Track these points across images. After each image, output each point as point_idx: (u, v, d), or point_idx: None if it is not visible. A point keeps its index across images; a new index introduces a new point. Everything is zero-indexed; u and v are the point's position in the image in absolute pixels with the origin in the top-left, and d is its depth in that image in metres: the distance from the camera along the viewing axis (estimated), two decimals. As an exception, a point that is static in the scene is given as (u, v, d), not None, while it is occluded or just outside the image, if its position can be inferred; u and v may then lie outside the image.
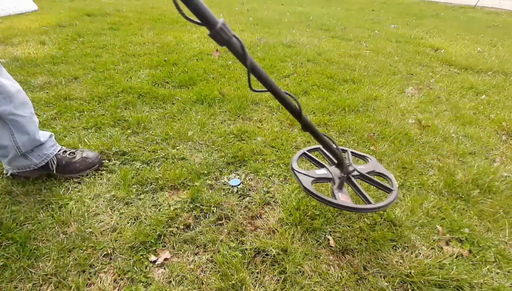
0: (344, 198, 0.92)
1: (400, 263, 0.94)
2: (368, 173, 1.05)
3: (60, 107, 1.68)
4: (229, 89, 2.05)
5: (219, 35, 0.58)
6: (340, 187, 0.96)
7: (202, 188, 1.19)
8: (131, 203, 1.10)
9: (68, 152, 1.22)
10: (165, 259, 0.91)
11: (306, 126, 0.88)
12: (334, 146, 0.92)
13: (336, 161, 1.01)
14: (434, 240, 1.03)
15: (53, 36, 3.01)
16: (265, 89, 0.74)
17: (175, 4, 0.54)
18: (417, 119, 1.83)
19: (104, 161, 1.30)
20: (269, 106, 1.89)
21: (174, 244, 0.96)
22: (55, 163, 1.17)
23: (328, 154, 1.04)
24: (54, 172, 1.17)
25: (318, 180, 1.00)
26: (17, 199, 1.08)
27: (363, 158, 1.17)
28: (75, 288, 0.82)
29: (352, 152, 1.18)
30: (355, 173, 1.01)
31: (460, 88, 2.42)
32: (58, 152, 1.20)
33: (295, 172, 1.01)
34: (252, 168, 1.32)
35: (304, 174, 0.99)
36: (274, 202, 1.16)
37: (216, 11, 5.44)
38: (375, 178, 1.03)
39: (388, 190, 0.98)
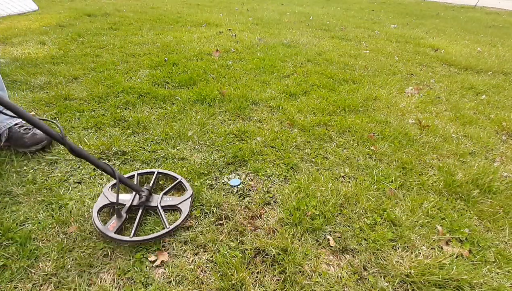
0: (111, 225, 0.95)
1: (400, 263, 0.94)
2: (166, 206, 1.05)
3: (60, 107, 1.68)
4: (229, 89, 2.05)
5: None
6: (118, 214, 0.97)
7: (202, 188, 1.18)
8: (131, 203, 1.10)
9: (24, 128, 1.29)
10: (165, 261, 0.91)
11: (75, 152, 0.83)
12: (118, 174, 0.92)
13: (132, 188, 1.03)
14: (434, 240, 1.03)
15: (53, 36, 3.01)
16: (12, 114, 0.72)
17: None
18: (417, 119, 1.83)
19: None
20: (269, 106, 1.89)
21: (174, 244, 0.96)
22: (5, 136, 1.25)
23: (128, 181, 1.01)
24: (1, 144, 1.25)
25: (112, 204, 1.02)
26: (17, 199, 1.08)
27: (185, 190, 1.13)
28: (75, 288, 0.82)
29: (161, 173, 1.19)
30: (153, 203, 1.04)
31: (460, 88, 2.42)
32: (14, 125, 1.28)
33: (102, 193, 1.06)
34: (252, 168, 1.32)
35: (105, 196, 1.04)
36: (274, 202, 1.16)
37: (216, 11, 5.44)
38: (166, 213, 1.03)
39: (164, 227, 0.97)
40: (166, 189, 1.12)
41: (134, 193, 1.05)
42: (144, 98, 1.88)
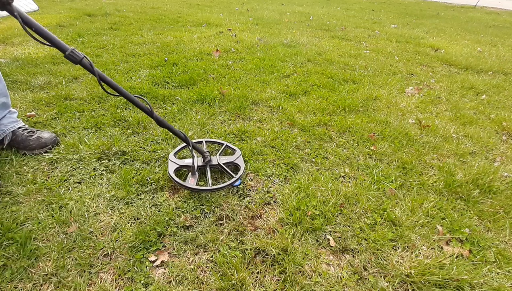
0: (191, 181, 1.15)
1: (400, 263, 0.94)
2: (225, 163, 1.26)
3: (60, 107, 1.68)
4: (229, 89, 2.05)
5: (72, 57, 0.80)
6: (193, 173, 1.18)
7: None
8: (131, 203, 1.10)
9: (28, 131, 1.32)
10: (165, 261, 0.91)
11: (160, 123, 1.06)
12: (190, 141, 1.17)
13: (199, 153, 1.26)
14: (434, 240, 1.03)
15: (53, 36, 3.01)
16: (117, 93, 0.93)
17: (28, 34, 0.75)
18: (417, 119, 1.83)
19: (58, 144, 1.39)
20: (269, 106, 1.89)
21: (174, 244, 0.96)
22: (8, 139, 1.28)
23: (194, 147, 1.21)
24: (4, 147, 1.29)
25: (181, 167, 1.23)
26: (17, 199, 1.08)
27: (233, 150, 1.37)
28: (75, 288, 0.82)
29: (208, 141, 1.43)
30: (214, 162, 1.25)
31: (460, 88, 2.42)
32: (18, 129, 1.31)
33: (169, 160, 1.25)
34: (252, 168, 1.32)
35: (174, 162, 1.23)
36: (274, 202, 1.16)
37: (216, 11, 5.44)
38: (227, 167, 1.25)
39: (231, 177, 1.20)
40: (219, 151, 1.34)
41: (194, 156, 1.21)
42: (144, 98, 1.88)
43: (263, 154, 1.42)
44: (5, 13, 3.83)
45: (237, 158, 1.29)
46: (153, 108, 0.97)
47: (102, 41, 2.98)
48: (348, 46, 3.46)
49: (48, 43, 0.78)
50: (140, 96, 0.95)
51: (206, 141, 1.41)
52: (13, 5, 0.73)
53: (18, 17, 0.74)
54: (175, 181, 1.14)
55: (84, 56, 0.82)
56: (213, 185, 1.17)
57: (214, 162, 1.25)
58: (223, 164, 1.25)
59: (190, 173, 1.19)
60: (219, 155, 1.31)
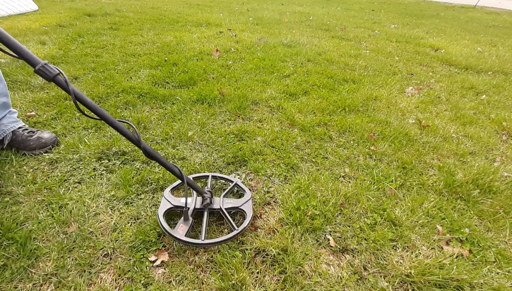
0: (181, 229, 0.96)
1: (400, 263, 0.94)
2: (229, 208, 1.05)
3: (60, 107, 1.68)
4: (229, 89, 2.05)
5: (42, 72, 0.69)
6: (185, 218, 0.98)
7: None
8: (131, 203, 1.10)
9: (28, 131, 1.32)
10: (165, 261, 0.91)
11: (149, 155, 0.87)
12: (185, 176, 0.93)
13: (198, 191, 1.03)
14: (434, 240, 1.03)
15: (53, 36, 3.01)
16: (97, 117, 0.80)
17: None
18: (417, 119, 1.83)
19: (58, 144, 1.39)
20: (269, 106, 1.89)
21: (175, 244, 0.96)
22: (8, 139, 1.29)
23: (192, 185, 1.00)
24: (4, 147, 1.29)
25: (176, 207, 1.04)
26: (17, 199, 1.08)
27: (242, 192, 1.15)
28: (75, 288, 0.82)
29: (215, 176, 1.21)
30: (215, 205, 1.04)
31: (460, 88, 2.42)
32: (18, 129, 1.32)
33: (163, 197, 1.07)
34: (252, 168, 1.32)
35: (168, 200, 1.05)
36: (274, 202, 1.16)
37: (216, 11, 5.44)
38: (230, 215, 1.04)
39: (232, 229, 0.99)
40: (225, 192, 1.12)
41: (194, 196, 1.06)
42: (144, 98, 1.88)
43: (263, 154, 1.42)
44: (5, 13, 3.83)
45: (245, 202, 1.07)
46: (140, 136, 0.83)
47: (102, 41, 2.98)
48: (348, 46, 3.46)
49: (16, 55, 0.69)
50: (126, 121, 0.84)
51: (213, 177, 1.20)
52: None
53: None
54: (162, 226, 0.97)
55: (60, 72, 0.71)
56: (206, 237, 0.96)
57: (216, 206, 1.04)
58: (226, 209, 1.04)
59: (182, 218, 0.99)
60: (224, 195, 1.10)
